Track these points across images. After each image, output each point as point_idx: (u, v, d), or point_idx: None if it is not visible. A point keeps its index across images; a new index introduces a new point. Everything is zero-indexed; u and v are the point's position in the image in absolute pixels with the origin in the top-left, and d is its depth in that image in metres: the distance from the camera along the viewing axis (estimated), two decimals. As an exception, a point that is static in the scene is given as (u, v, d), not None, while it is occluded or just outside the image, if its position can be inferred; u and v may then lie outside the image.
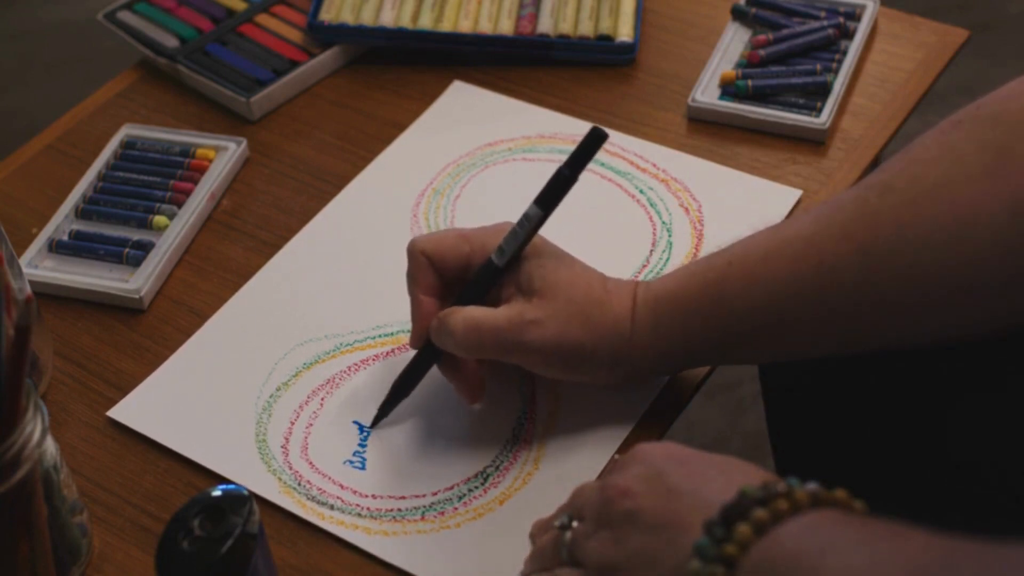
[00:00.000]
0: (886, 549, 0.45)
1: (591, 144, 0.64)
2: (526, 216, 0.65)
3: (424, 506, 0.66)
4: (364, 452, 0.68)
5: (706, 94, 0.88)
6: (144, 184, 0.86)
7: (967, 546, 0.43)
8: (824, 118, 0.84)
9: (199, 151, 0.88)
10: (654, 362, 0.65)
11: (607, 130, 0.86)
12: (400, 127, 0.90)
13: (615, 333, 0.64)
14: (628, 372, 0.66)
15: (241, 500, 0.55)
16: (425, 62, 0.95)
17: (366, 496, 0.66)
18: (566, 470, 0.66)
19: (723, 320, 0.63)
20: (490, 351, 0.65)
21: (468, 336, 0.64)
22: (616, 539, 0.54)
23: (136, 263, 0.80)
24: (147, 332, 0.77)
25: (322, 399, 0.71)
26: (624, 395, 0.69)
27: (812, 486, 0.49)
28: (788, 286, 0.61)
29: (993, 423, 0.63)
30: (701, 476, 0.53)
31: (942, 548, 0.44)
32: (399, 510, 0.65)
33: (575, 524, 0.57)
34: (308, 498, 0.66)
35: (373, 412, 0.70)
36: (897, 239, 0.59)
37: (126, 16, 0.99)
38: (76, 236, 0.83)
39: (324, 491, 0.67)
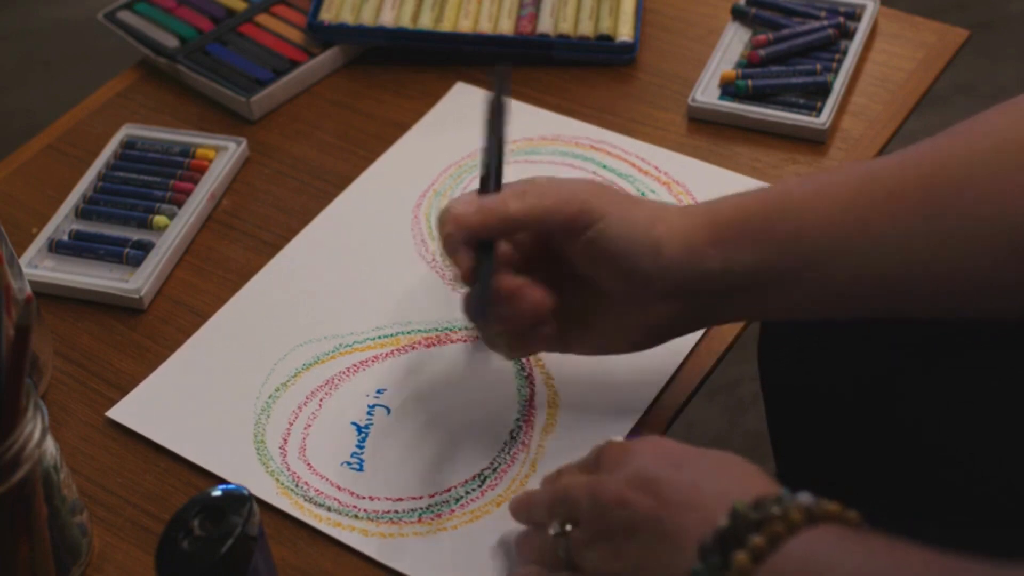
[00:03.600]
0: (887, 568, 0.45)
1: (498, 80, 0.66)
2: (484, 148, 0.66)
3: (421, 508, 0.66)
4: (362, 454, 0.68)
5: (706, 94, 0.88)
6: (144, 184, 0.86)
7: (968, 567, 0.43)
8: (824, 118, 0.84)
9: (199, 151, 0.88)
10: (716, 287, 0.61)
11: (609, 131, 0.87)
12: (400, 127, 0.90)
13: (673, 249, 0.61)
14: (689, 303, 0.62)
15: (241, 500, 0.56)
16: (425, 62, 0.95)
17: (363, 498, 0.66)
18: (565, 471, 0.66)
19: (781, 233, 0.60)
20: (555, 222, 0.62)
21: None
22: (614, 551, 0.53)
23: (136, 263, 0.80)
24: (147, 332, 0.77)
25: (321, 400, 0.72)
26: (623, 396, 0.69)
27: (805, 499, 0.49)
28: (848, 209, 0.59)
29: (996, 422, 0.63)
30: (693, 486, 0.52)
31: (943, 568, 0.44)
32: (396, 512, 0.65)
33: (568, 528, 0.57)
34: (305, 499, 0.66)
35: (372, 413, 0.70)
36: (965, 176, 0.57)
37: (126, 16, 0.99)
38: (76, 236, 0.83)
39: (321, 492, 0.67)
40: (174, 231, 0.82)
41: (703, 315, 0.64)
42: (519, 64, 0.93)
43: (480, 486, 0.66)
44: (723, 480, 0.52)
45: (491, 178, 0.64)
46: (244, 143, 0.88)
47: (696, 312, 0.63)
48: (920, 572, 0.44)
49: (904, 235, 0.58)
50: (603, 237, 0.61)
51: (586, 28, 0.93)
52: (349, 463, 0.68)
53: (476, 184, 0.84)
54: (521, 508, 0.62)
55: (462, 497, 0.66)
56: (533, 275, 0.63)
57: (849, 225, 0.59)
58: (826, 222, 0.59)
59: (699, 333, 0.72)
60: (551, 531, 0.57)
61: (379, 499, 0.66)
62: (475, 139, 0.87)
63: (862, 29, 0.91)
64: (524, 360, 0.73)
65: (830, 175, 0.61)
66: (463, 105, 0.91)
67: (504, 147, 0.65)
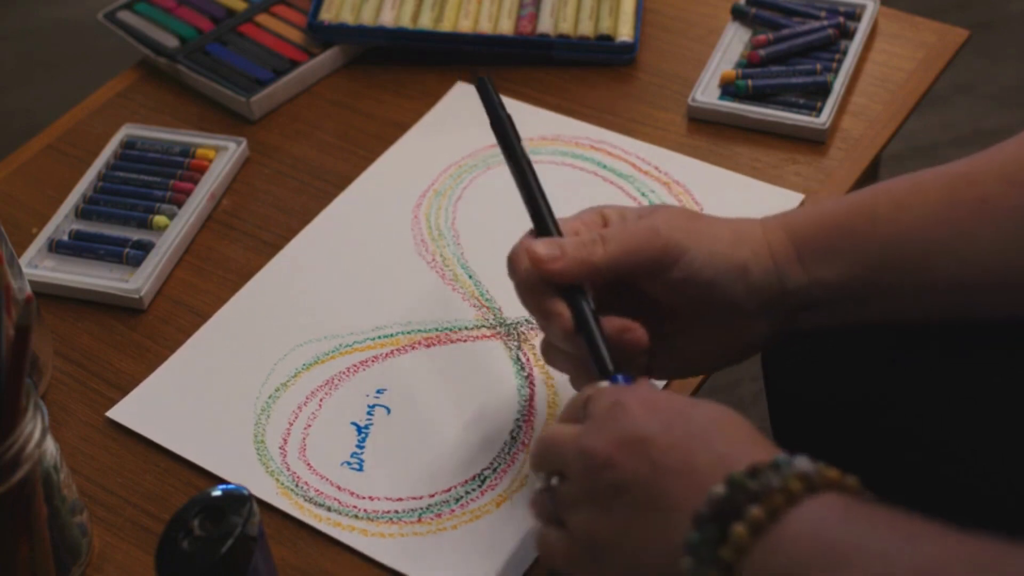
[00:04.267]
0: (891, 540, 0.44)
1: (483, 92, 0.64)
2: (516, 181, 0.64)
3: (421, 508, 0.66)
4: (362, 454, 0.68)
5: (706, 94, 0.88)
6: (144, 184, 0.86)
7: (974, 540, 0.43)
8: (824, 118, 0.84)
9: (199, 151, 0.88)
10: (804, 301, 0.61)
11: (609, 131, 0.87)
12: (400, 127, 0.90)
13: (759, 269, 0.60)
14: (776, 319, 0.62)
15: (241, 500, 0.56)
16: (425, 62, 0.95)
17: (363, 498, 0.66)
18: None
19: (873, 243, 0.59)
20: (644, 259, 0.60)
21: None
22: (602, 513, 0.52)
23: (136, 263, 0.80)
24: (147, 332, 0.77)
25: (321, 400, 0.72)
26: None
27: (803, 465, 0.48)
28: (942, 214, 0.59)
29: (998, 419, 0.63)
30: (686, 449, 0.50)
31: (950, 540, 0.44)
32: (396, 512, 0.65)
33: (555, 481, 0.55)
34: (305, 499, 0.66)
35: (372, 414, 0.70)
36: None
37: (126, 16, 0.99)
38: (76, 236, 0.83)
39: (321, 492, 0.67)
40: (174, 231, 0.82)
41: (789, 328, 0.63)
42: (519, 64, 0.93)
43: (480, 486, 0.66)
44: (716, 442, 0.51)
45: (543, 217, 0.61)
46: (244, 143, 0.88)
47: (782, 325, 0.63)
48: (928, 545, 0.44)
49: (1000, 240, 0.58)
50: (689, 270, 0.59)
51: (586, 28, 0.93)
52: (349, 463, 0.68)
53: (476, 184, 0.85)
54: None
55: (462, 497, 0.66)
56: (611, 309, 0.61)
57: (942, 233, 0.58)
58: (916, 231, 0.59)
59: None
60: (538, 484, 0.56)
61: (379, 499, 0.66)
62: (475, 139, 0.88)
63: (862, 29, 0.91)
64: (524, 360, 0.73)
65: (914, 181, 0.61)
66: (463, 105, 0.91)
67: (532, 167, 0.63)
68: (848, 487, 0.48)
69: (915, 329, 0.65)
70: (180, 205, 0.84)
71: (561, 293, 0.60)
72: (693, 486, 0.49)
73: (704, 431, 0.51)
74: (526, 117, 0.89)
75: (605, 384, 0.57)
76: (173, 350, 0.75)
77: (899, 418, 0.67)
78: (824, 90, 0.87)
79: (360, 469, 0.68)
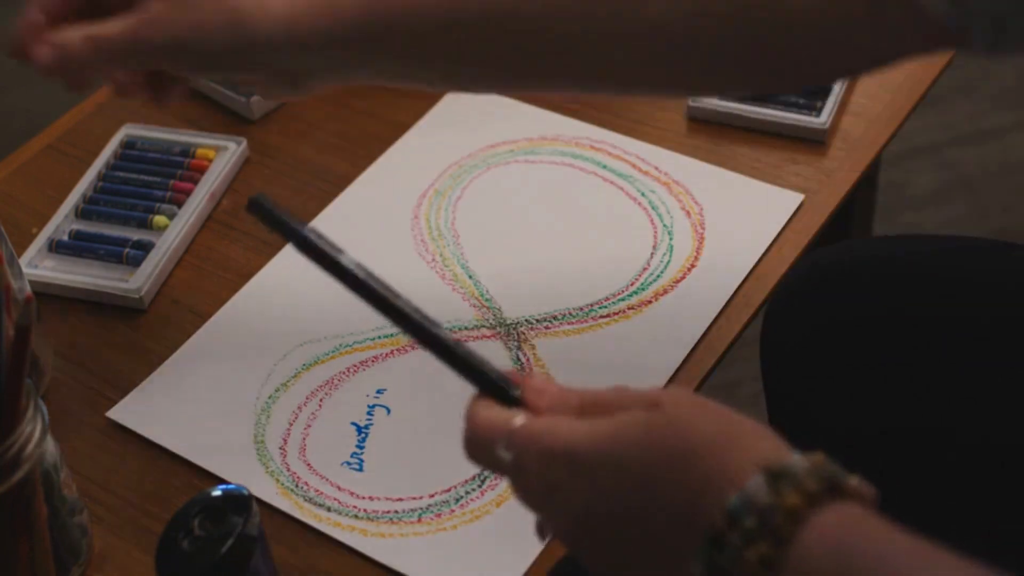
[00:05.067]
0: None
1: (259, 213, 0.53)
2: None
3: (420, 508, 0.66)
4: (362, 454, 0.69)
5: (706, 94, 0.88)
6: (144, 184, 0.86)
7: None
8: (824, 118, 0.84)
9: (199, 151, 0.88)
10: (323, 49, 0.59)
11: (609, 131, 0.87)
12: (400, 127, 0.90)
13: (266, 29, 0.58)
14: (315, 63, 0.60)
15: (241, 500, 0.56)
16: (425, 62, 0.94)
17: (363, 498, 0.66)
18: (565, 471, 0.66)
19: None
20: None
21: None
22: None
23: (136, 263, 0.80)
24: (147, 332, 0.77)
25: (321, 400, 0.72)
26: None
27: (759, 496, 0.41)
28: None
29: (1000, 424, 0.63)
30: (642, 528, 0.44)
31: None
32: (396, 512, 0.66)
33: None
34: (305, 500, 0.66)
35: (372, 414, 0.70)
36: None
37: (126, 16, 0.99)
38: (76, 236, 0.83)
39: (321, 492, 0.67)
40: (174, 231, 0.82)
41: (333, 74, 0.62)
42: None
43: (480, 486, 0.66)
44: (667, 496, 0.43)
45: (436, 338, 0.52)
46: (244, 143, 0.88)
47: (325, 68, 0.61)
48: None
49: None
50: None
51: (586, 28, 0.93)
52: (349, 463, 0.68)
53: (476, 184, 0.85)
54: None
55: (462, 497, 0.66)
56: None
57: None
58: None
59: (699, 333, 0.72)
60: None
61: (379, 499, 0.66)
62: (475, 139, 0.88)
63: (862, 29, 0.91)
64: (524, 360, 0.73)
65: None
66: (463, 105, 0.91)
67: (371, 276, 0.54)
68: (809, 495, 0.41)
69: (915, 329, 0.65)
70: (180, 205, 0.84)
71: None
72: (674, 561, 0.43)
73: (646, 495, 0.44)
74: (528, 117, 0.89)
75: (519, 421, 0.47)
76: (173, 350, 0.75)
77: (899, 417, 0.67)
78: (824, 90, 0.87)
79: (360, 469, 0.68)
